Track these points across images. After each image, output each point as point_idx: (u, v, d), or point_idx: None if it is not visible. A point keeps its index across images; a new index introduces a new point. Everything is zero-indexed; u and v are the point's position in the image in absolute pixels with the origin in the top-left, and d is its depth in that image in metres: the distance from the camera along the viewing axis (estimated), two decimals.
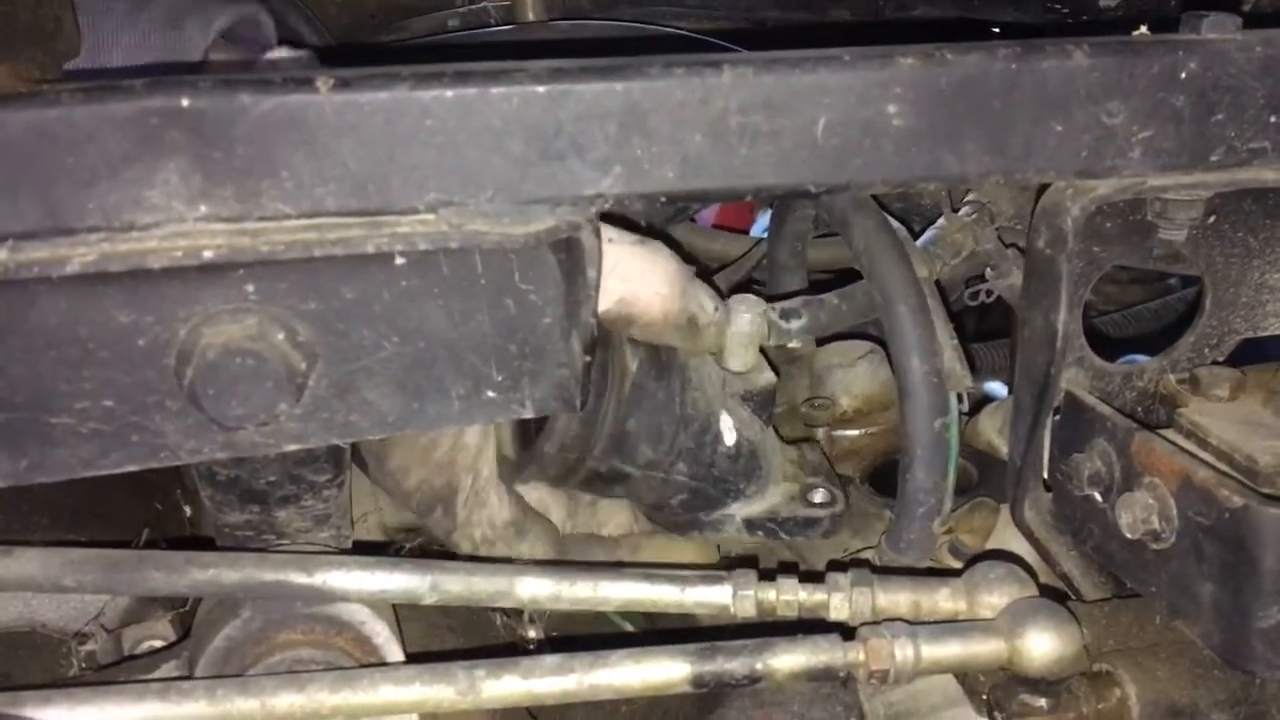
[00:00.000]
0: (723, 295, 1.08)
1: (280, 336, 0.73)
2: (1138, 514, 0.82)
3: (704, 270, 1.42)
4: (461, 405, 0.79)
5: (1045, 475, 0.95)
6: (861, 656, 0.84)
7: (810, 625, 0.90)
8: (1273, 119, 0.81)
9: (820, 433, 1.27)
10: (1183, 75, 0.79)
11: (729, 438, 1.10)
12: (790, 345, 1.20)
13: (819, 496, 1.15)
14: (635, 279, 0.96)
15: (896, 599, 0.92)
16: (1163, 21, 0.88)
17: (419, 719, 0.90)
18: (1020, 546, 1.02)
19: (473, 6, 1.58)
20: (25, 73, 0.93)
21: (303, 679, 0.82)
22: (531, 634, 1.14)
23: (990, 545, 1.10)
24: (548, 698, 0.84)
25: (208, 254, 0.69)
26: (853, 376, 1.28)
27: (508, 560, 1.11)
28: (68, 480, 0.75)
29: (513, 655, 0.85)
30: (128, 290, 0.70)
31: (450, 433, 1.08)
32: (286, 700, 0.81)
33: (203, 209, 0.69)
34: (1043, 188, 0.88)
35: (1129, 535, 0.83)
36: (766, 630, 0.88)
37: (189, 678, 0.90)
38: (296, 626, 0.90)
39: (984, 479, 1.19)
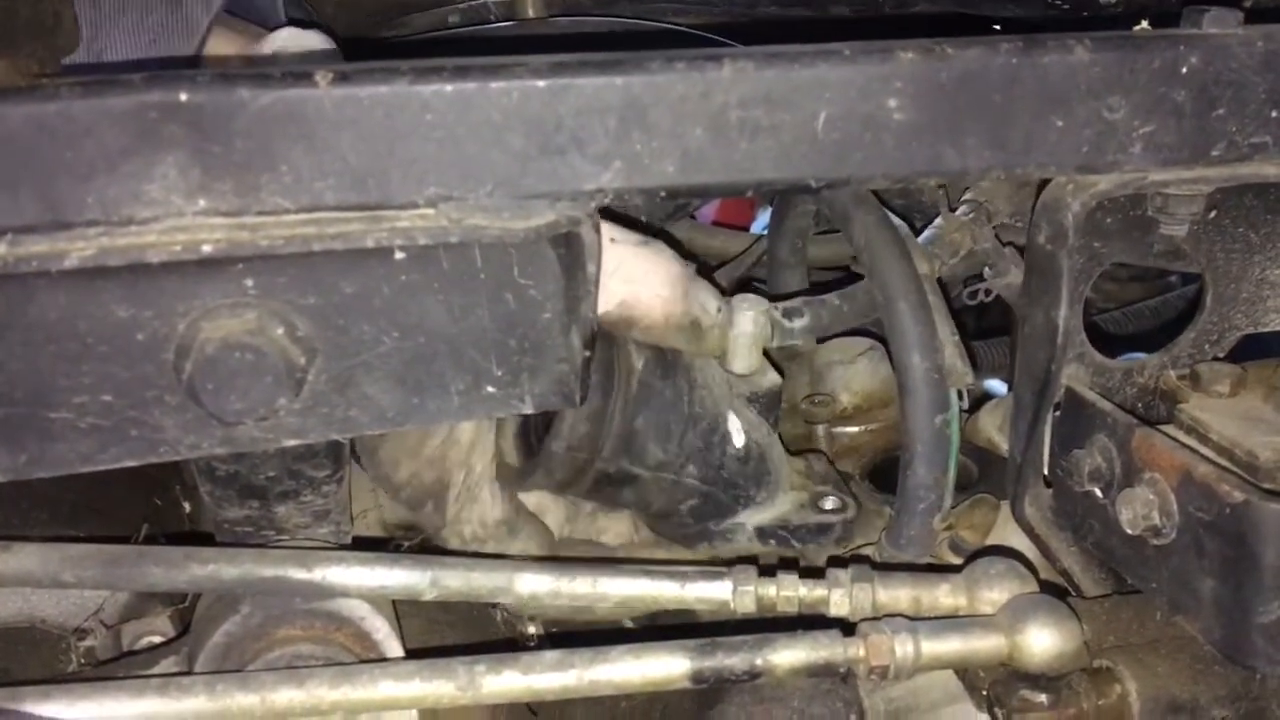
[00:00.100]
0: (724, 294, 1.08)
1: (279, 331, 0.72)
2: (1138, 510, 0.82)
3: (704, 268, 1.42)
4: (461, 400, 0.79)
5: (1046, 471, 0.95)
6: (862, 652, 0.84)
7: (810, 621, 0.90)
8: (1274, 114, 0.81)
9: (820, 429, 1.27)
10: (1184, 70, 0.79)
11: (738, 439, 1.09)
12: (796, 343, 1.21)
13: (830, 503, 1.13)
14: (638, 280, 0.96)
15: (897, 595, 0.92)
16: (1164, 16, 0.88)
17: (419, 715, 0.90)
18: (1020, 542, 1.02)
19: (472, 3, 1.58)
20: (24, 67, 0.93)
21: (302, 674, 0.82)
22: (531, 630, 1.14)
23: (990, 541, 1.10)
24: (548, 693, 0.84)
25: (206, 248, 0.69)
26: (853, 373, 1.27)
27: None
28: (67, 475, 0.75)
29: (513, 651, 0.84)
30: (126, 285, 0.70)
31: (443, 427, 1.08)
32: (286, 696, 0.80)
33: (201, 203, 0.69)
34: (1043, 183, 0.87)
35: (1129, 531, 0.83)
36: (766, 626, 0.88)
37: (188, 673, 0.89)
38: (296, 622, 0.90)
39: (984, 475, 1.19)
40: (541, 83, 0.71)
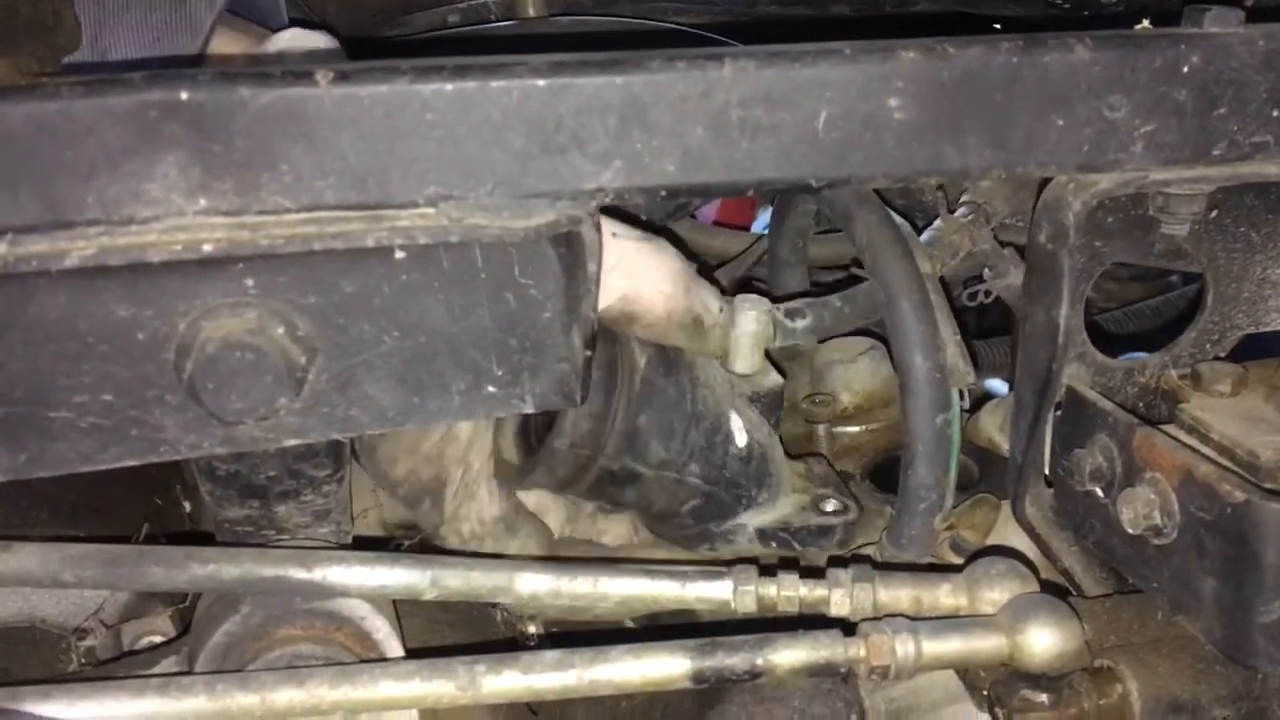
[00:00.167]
0: (726, 294, 1.08)
1: (280, 330, 0.72)
2: (1139, 509, 0.82)
3: (704, 267, 1.42)
4: (462, 400, 0.79)
5: (1046, 471, 0.95)
6: (862, 652, 0.84)
7: (811, 621, 0.89)
8: (1275, 113, 0.81)
9: (821, 429, 1.27)
10: (1185, 69, 0.79)
11: (740, 439, 1.08)
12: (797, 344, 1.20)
13: (831, 505, 1.13)
14: (639, 275, 0.96)
15: (898, 595, 0.92)
16: (1165, 16, 0.88)
17: (419, 715, 0.90)
18: (1021, 542, 1.02)
19: (472, 2, 1.58)
20: (25, 66, 0.93)
21: (303, 674, 0.82)
22: (531, 629, 1.14)
23: (991, 541, 1.10)
24: (548, 693, 0.84)
25: (207, 248, 0.69)
26: (854, 373, 1.27)
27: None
28: (67, 475, 0.75)
29: (513, 651, 0.84)
30: (127, 284, 0.70)
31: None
32: (286, 696, 0.80)
33: (202, 202, 0.69)
34: (1044, 182, 0.87)
35: (1130, 530, 0.83)
36: (767, 626, 0.88)
37: (189, 673, 0.89)
38: (296, 622, 0.90)
39: (985, 475, 1.19)
40: (542, 82, 0.71)
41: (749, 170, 0.75)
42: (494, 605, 1.14)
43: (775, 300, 1.09)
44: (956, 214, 1.16)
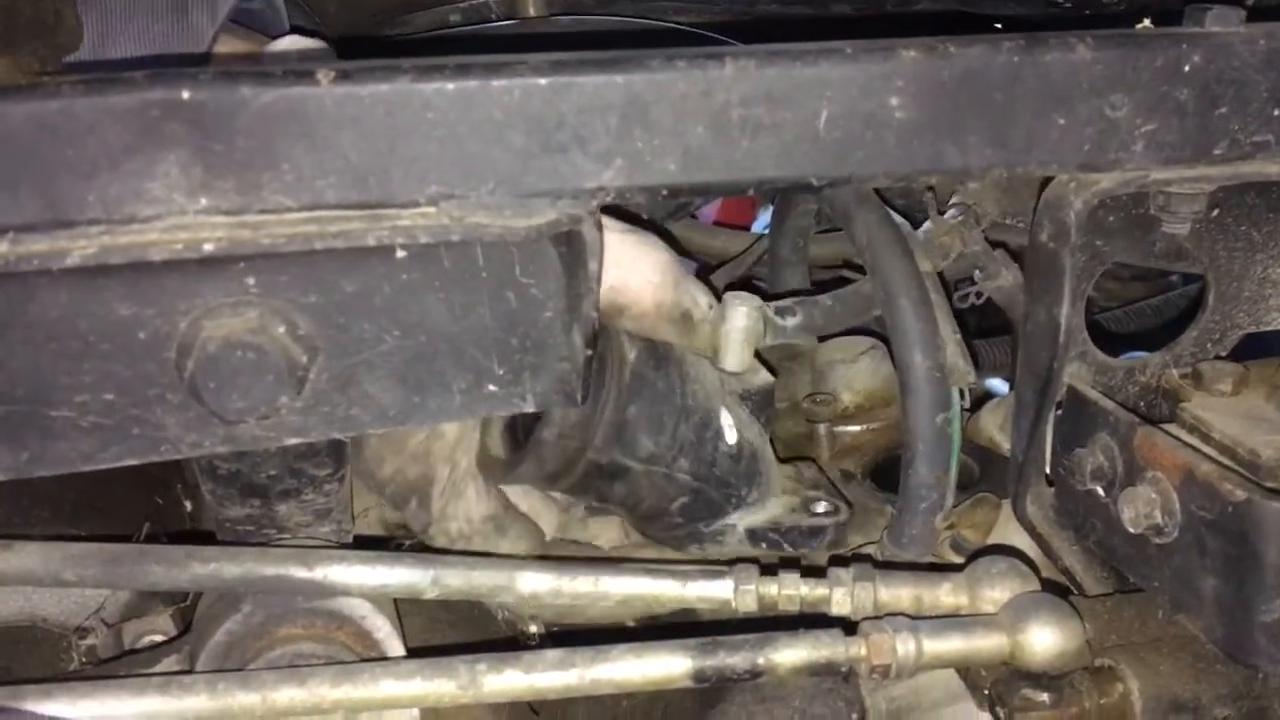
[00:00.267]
0: (718, 294, 1.07)
1: (281, 329, 0.72)
2: (1140, 508, 0.82)
3: (705, 267, 1.42)
4: (463, 399, 0.79)
5: (1047, 470, 0.95)
6: (863, 651, 0.84)
7: (812, 620, 0.89)
8: (1276, 112, 0.81)
9: (822, 428, 1.27)
10: (1186, 68, 0.79)
11: (730, 436, 1.08)
12: (790, 343, 1.20)
13: (822, 506, 1.12)
14: (626, 266, 0.95)
15: (898, 594, 0.92)
16: (1166, 15, 0.88)
17: (420, 714, 0.90)
18: (1022, 541, 1.02)
19: (473, 2, 1.58)
20: (26, 65, 0.93)
21: (304, 673, 0.82)
22: (533, 629, 1.14)
23: (992, 540, 1.10)
24: (549, 692, 0.84)
25: (208, 247, 0.69)
26: (854, 372, 1.27)
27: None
28: (68, 474, 0.75)
29: (514, 650, 0.84)
30: (128, 283, 0.70)
31: None
32: (287, 695, 0.80)
33: (203, 201, 0.69)
34: (1045, 182, 0.87)
35: (1131, 530, 0.83)
36: (768, 625, 0.88)
37: (190, 672, 0.89)
38: (297, 621, 0.90)
39: (986, 474, 1.19)
40: (543, 81, 0.71)
41: (750, 169, 0.75)
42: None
43: (773, 299, 1.09)
44: (946, 215, 1.16)
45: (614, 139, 0.72)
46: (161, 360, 0.72)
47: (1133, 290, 1.67)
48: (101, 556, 0.86)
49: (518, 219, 0.73)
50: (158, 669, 0.92)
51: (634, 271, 0.96)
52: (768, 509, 1.11)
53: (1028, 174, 0.81)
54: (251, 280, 0.71)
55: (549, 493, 1.15)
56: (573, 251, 0.75)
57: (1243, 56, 0.79)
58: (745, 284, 1.40)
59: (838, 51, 0.74)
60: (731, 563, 0.94)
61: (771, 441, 1.14)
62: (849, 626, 0.87)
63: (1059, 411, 0.92)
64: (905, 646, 0.84)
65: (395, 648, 0.91)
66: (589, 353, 0.79)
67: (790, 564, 0.99)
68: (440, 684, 0.82)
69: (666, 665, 0.83)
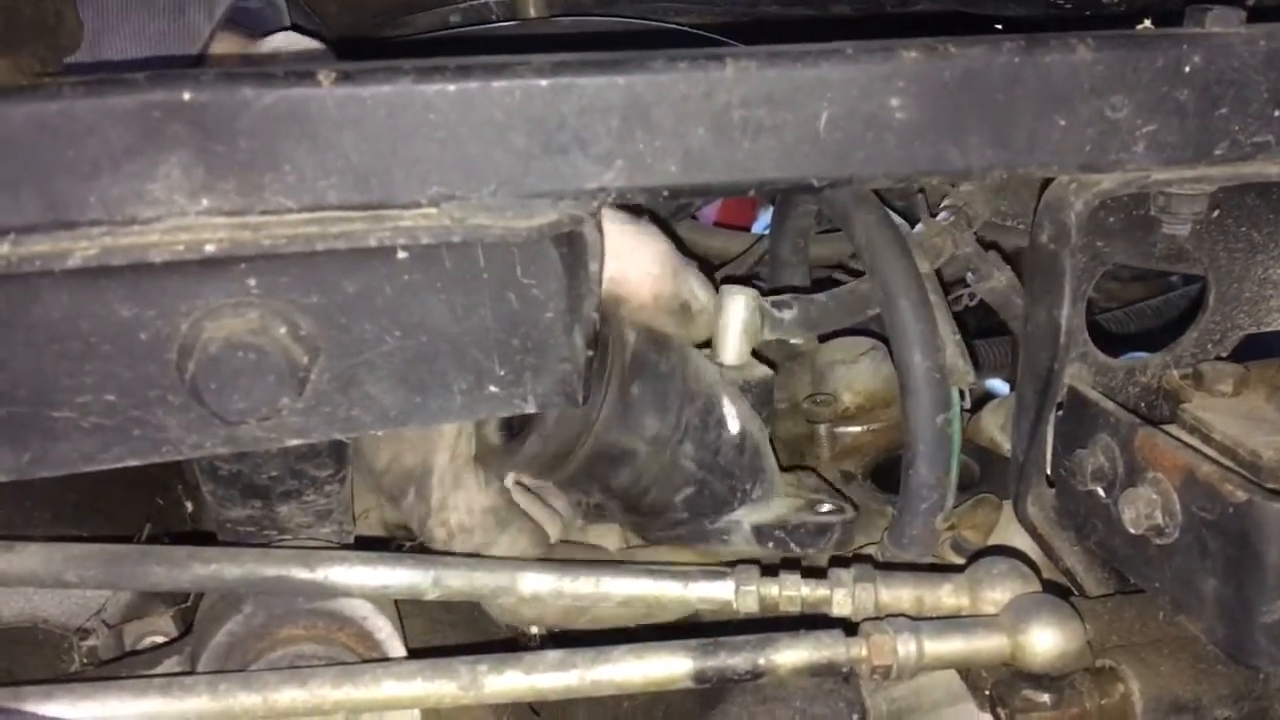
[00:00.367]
0: (715, 287, 1.07)
1: (282, 330, 0.72)
2: (1141, 509, 0.82)
3: (705, 267, 1.41)
4: (464, 400, 0.79)
5: (1048, 471, 0.95)
6: (864, 652, 0.84)
7: (813, 621, 0.89)
8: (1276, 113, 0.81)
9: (822, 429, 1.27)
10: (1187, 69, 0.79)
11: (733, 425, 1.06)
12: (791, 341, 1.20)
13: (827, 506, 1.11)
14: (625, 256, 0.95)
15: (899, 595, 0.92)
16: (1166, 16, 0.88)
17: (421, 715, 0.90)
18: (1023, 542, 1.02)
19: (474, 2, 1.58)
20: (27, 66, 0.93)
21: (305, 674, 0.82)
22: (534, 629, 1.13)
23: (993, 541, 1.10)
24: (550, 693, 0.84)
25: (210, 248, 0.69)
26: (855, 373, 1.27)
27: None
28: (69, 475, 0.75)
29: (515, 651, 0.85)
30: (129, 284, 0.70)
31: None
32: (289, 695, 0.80)
33: (205, 203, 0.69)
34: (1046, 182, 0.87)
35: (1132, 530, 0.83)
36: (769, 626, 0.88)
37: (191, 673, 0.89)
38: (299, 622, 0.90)
39: (986, 475, 1.19)
40: (544, 82, 0.71)
41: (751, 170, 0.75)
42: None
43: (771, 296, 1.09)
44: (938, 217, 1.16)
45: (615, 140, 0.72)
46: (163, 361, 0.72)
47: (1133, 291, 1.67)
48: (103, 557, 0.86)
49: (519, 220, 0.73)
50: (159, 670, 0.92)
51: (633, 262, 0.96)
52: (773, 507, 1.10)
53: (1028, 175, 0.81)
54: (253, 281, 0.71)
55: (550, 501, 1.14)
56: (574, 252, 0.75)
57: (1243, 57, 0.79)
58: (745, 284, 1.40)
59: (838, 52, 0.75)
60: (733, 564, 0.94)
61: (771, 443, 1.14)
62: (850, 627, 0.87)
63: (1060, 412, 0.92)
64: (906, 647, 0.84)
65: (396, 649, 0.91)
66: (590, 354, 0.80)
67: (791, 565, 0.99)
68: (441, 685, 0.82)
69: (667, 666, 0.83)
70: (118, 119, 0.66)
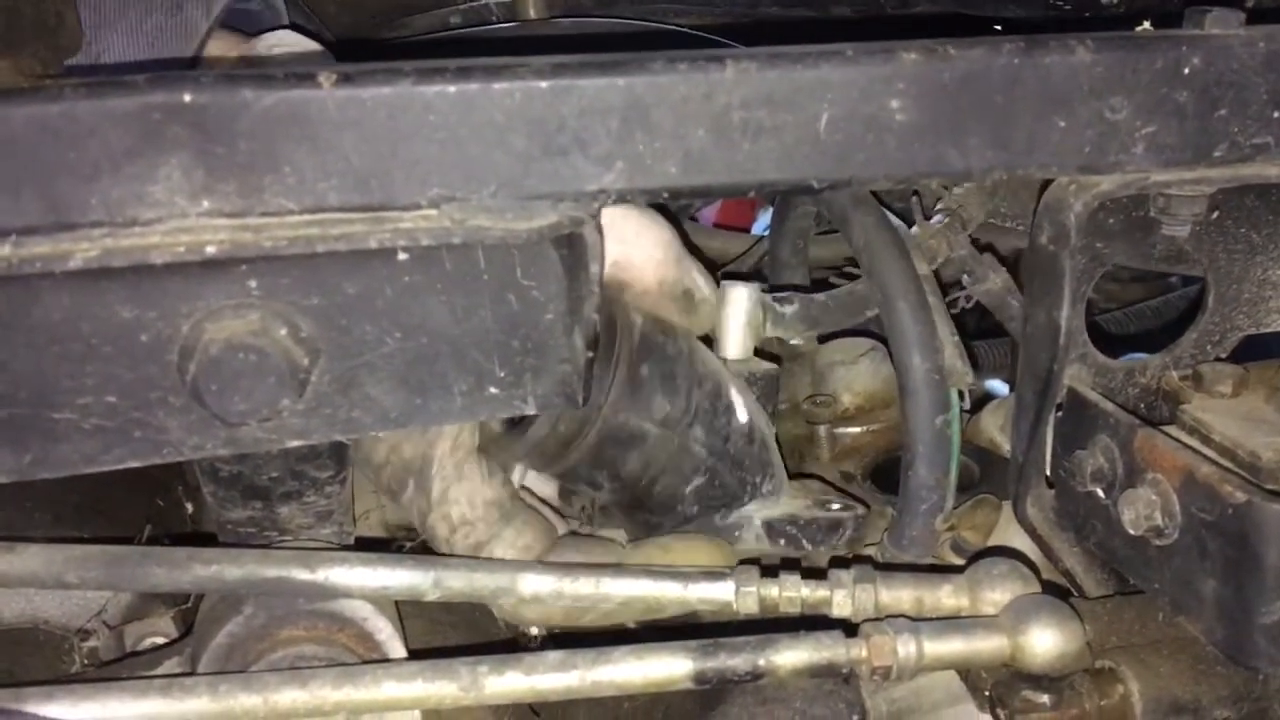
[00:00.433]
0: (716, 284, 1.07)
1: (283, 332, 0.72)
2: (1140, 510, 0.82)
3: (705, 267, 1.41)
4: (464, 401, 0.79)
5: (1048, 472, 0.95)
6: (864, 653, 0.84)
7: (813, 622, 0.89)
8: (1276, 114, 0.81)
9: (822, 430, 1.27)
10: (1186, 71, 0.79)
11: (742, 414, 1.06)
12: (791, 341, 1.20)
13: (838, 504, 1.11)
14: (629, 241, 0.95)
15: (899, 595, 0.92)
16: (1166, 17, 0.88)
17: (422, 715, 0.90)
18: (1023, 543, 1.02)
19: (474, 4, 1.58)
20: (27, 68, 0.93)
21: (305, 675, 0.82)
22: (534, 630, 1.13)
23: (992, 542, 1.10)
24: (551, 694, 0.84)
25: (210, 249, 0.69)
26: (854, 374, 1.28)
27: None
28: (70, 476, 0.75)
29: (515, 652, 0.85)
30: (130, 286, 0.70)
31: None
32: (289, 696, 0.81)
33: (205, 204, 0.69)
34: (1045, 184, 0.88)
35: (1132, 531, 0.83)
36: (769, 627, 0.88)
37: (192, 674, 0.90)
38: (299, 623, 0.90)
39: (986, 476, 1.19)
40: (544, 83, 0.71)
41: (751, 172, 0.75)
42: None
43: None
44: (933, 220, 1.16)
45: (615, 142, 0.73)
46: (163, 363, 0.72)
47: (1132, 292, 1.67)
48: (103, 558, 0.86)
49: (519, 221, 0.73)
50: (159, 671, 0.92)
51: (637, 247, 0.96)
52: (783, 503, 1.10)
53: (1028, 176, 0.81)
54: (253, 283, 0.71)
55: (550, 504, 1.14)
56: (574, 254, 0.75)
57: (1242, 59, 0.79)
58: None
59: (838, 54, 0.75)
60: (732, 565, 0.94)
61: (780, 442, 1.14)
62: (850, 628, 0.87)
63: (1059, 413, 0.92)
64: (906, 648, 0.84)
65: (397, 649, 0.91)
66: (590, 355, 0.80)
67: (791, 565, 1.00)
68: (442, 686, 0.82)
69: (667, 667, 0.83)
70: (118, 121, 0.66)
